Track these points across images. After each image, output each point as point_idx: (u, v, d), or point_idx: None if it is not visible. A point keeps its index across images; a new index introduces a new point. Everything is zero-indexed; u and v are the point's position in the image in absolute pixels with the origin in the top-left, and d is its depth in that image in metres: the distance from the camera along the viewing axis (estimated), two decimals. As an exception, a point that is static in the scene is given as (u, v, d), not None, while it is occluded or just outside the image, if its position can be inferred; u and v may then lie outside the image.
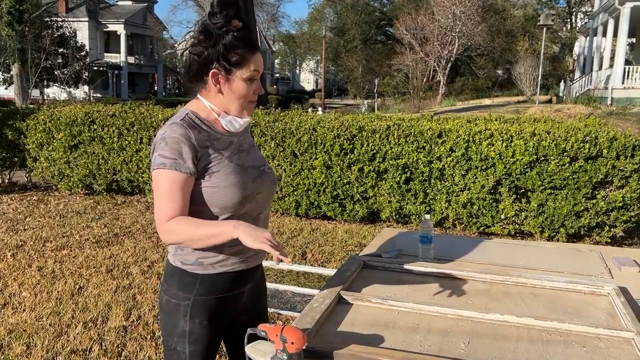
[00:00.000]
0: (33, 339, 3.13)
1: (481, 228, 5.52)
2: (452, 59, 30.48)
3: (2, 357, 2.94)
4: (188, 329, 1.54)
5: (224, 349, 1.83)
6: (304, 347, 1.33)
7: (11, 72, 24.94)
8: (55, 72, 27.95)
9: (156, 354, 2.96)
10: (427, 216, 2.21)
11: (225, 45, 1.45)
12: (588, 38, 24.72)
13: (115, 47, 40.91)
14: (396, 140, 5.65)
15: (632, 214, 5.07)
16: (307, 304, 1.74)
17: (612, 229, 5.16)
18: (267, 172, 1.63)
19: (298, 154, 6.02)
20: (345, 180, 5.83)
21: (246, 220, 1.49)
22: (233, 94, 1.50)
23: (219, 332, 1.61)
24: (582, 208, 5.11)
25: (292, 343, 1.31)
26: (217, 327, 1.59)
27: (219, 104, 1.53)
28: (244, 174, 1.53)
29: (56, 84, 29.17)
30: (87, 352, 2.99)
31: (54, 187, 7.67)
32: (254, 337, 1.43)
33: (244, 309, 1.67)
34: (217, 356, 2.88)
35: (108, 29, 40.32)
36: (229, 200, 1.49)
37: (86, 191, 7.36)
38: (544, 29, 22.64)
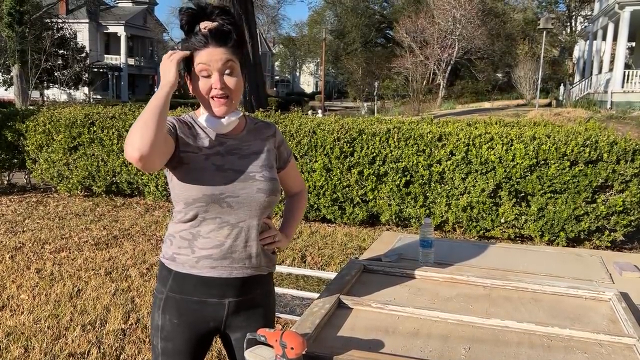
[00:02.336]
0: (31, 342, 3.12)
1: (481, 232, 5.51)
2: (452, 62, 30.50)
3: (-1, 360, 2.93)
4: (160, 324, 1.55)
5: (224, 352, 1.82)
6: (303, 352, 1.32)
7: (11, 74, 24.96)
8: (55, 74, 28.01)
9: (155, 357, 2.95)
10: (428, 219, 2.20)
11: (183, 49, 1.51)
12: (588, 42, 24.74)
13: (116, 48, 40.97)
14: (396, 143, 5.65)
15: (632, 218, 5.06)
16: (306, 307, 1.73)
17: (612, 233, 5.15)
18: (258, 179, 1.53)
19: (298, 156, 6.01)
20: (345, 183, 5.82)
21: (222, 229, 1.51)
22: (195, 92, 1.52)
23: (195, 337, 1.55)
24: (582, 212, 5.10)
25: (292, 348, 1.30)
26: (190, 331, 1.54)
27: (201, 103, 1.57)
28: (216, 174, 1.49)
29: (56, 86, 29.25)
30: (85, 355, 2.98)
31: (53, 188, 7.66)
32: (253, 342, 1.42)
33: (233, 324, 1.58)
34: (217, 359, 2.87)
35: (108, 31, 40.41)
36: (189, 195, 1.47)
37: (85, 193, 7.35)
38: (544, 32, 22.65)
